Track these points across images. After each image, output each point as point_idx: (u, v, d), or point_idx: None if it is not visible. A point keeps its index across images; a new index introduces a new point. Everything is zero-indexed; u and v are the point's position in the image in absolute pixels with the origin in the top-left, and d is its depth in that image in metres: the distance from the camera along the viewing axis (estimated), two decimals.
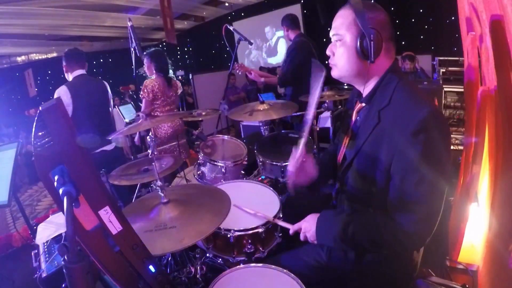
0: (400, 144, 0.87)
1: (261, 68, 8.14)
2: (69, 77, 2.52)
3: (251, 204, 1.36)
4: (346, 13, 0.96)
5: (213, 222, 0.99)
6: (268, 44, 8.21)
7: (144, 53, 2.78)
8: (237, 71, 2.77)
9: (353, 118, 1.11)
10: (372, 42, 0.89)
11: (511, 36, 0.88)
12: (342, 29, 0.96)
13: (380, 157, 0.93)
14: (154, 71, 2.73)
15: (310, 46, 2.80)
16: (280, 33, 7.73)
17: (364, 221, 0.97)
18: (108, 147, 2.57)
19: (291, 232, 1.16)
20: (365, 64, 0.95)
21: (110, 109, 2.75)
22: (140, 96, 2.71)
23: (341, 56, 0.98)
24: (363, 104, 1.04)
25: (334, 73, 1.04)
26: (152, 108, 2.65)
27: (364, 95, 1.04)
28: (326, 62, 1.08)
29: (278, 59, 7.93)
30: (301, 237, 1.11)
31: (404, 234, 0.88)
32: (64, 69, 2.52)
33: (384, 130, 0.93)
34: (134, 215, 1.08)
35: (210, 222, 0.99)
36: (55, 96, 2.31)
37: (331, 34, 1.01)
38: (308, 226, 1.08)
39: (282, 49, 7.77)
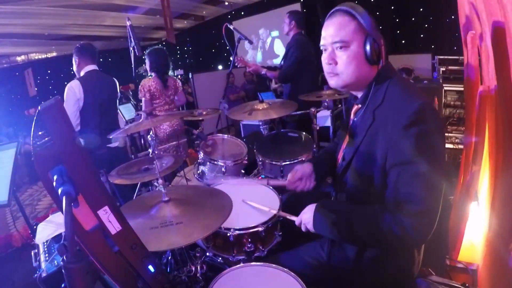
0: (393, 138, 0.88)
1: None
2: (80, 72, 2.44)
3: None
4: (345, 19, 0.95)
5: (218, 217, 1.01)
6: (264, 44, 8.19)
7: (147, 50, 2.77)
8: (236, 64, 2.74)
9: (351, 119, 1.11)
10: (382, 46, 0.91)
11: (511, 36, 0.88)
12: (344, 35, 0.94)
13: (376, 155, 0.93)
14: (152, 70, 2.73)
15: (310, 45, 2.77)
16: (275, 33, 7.70)
17: (362, 213, 0.96)
18: (113, 144, 2.56)
19: (297, 222, 1.12)
20: (372, 68, 0.96)
21: (117, 107, 2.74)
22: (138, 97, 2.71)
23: (349, 63, 0.95)
24: (359, 105, 1.05)
25: (338, 82, 1.00)
26: (153, 107, 2.64)
27: (359, 97, 1.05)
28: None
29: (275, 59, 7.91)
30: (303, 228, 1.09)
31: (402, 228, 0.85)
32: (75, 63, 2.44)
33: (378, 127, 0.93)
34: (135, 213, 1.08)
35: (215, 217, 1.02)
36: (67, 89, 2.30)
37: (328, 41, 0.97)
38: (307, 218, 1.07)
39: (278, 49, 7.74)
